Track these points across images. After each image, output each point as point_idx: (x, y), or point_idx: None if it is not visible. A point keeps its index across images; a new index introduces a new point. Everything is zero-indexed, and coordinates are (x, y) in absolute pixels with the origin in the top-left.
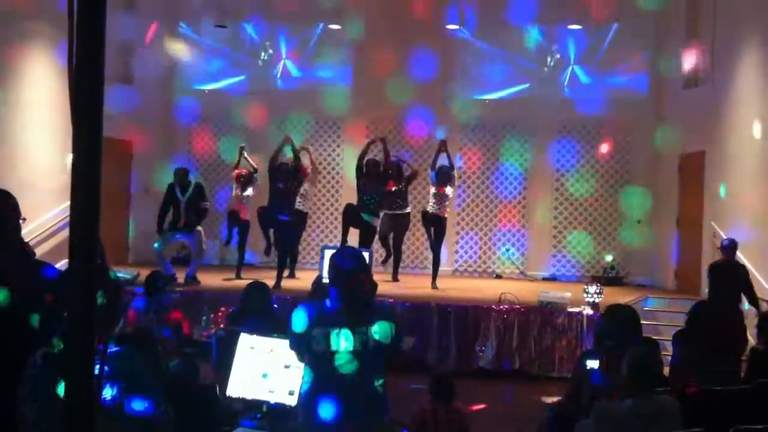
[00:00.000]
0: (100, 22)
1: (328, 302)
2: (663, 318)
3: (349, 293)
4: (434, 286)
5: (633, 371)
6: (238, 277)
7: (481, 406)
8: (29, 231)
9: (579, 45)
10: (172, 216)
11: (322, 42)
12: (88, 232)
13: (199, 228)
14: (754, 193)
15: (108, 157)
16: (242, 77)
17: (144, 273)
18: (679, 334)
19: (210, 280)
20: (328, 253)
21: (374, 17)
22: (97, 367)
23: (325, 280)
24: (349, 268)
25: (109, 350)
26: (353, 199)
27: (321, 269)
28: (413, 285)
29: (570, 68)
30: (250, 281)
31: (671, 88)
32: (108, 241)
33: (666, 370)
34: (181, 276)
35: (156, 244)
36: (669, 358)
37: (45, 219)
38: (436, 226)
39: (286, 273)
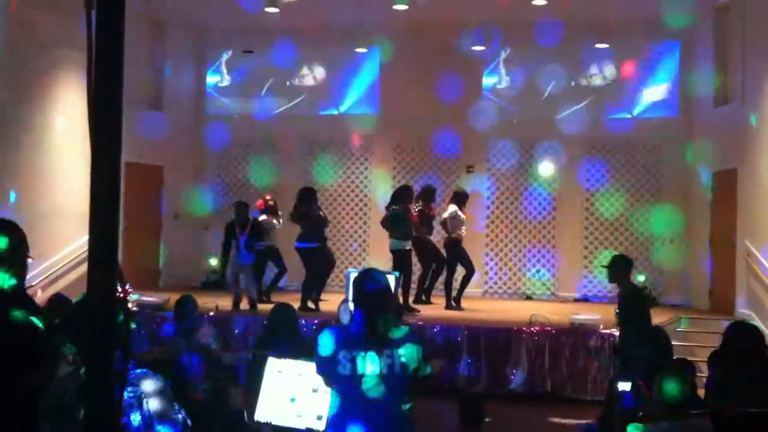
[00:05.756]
0: (118, 50)
1: (353, 325)
2: (698, 339)
3: (372, 316)
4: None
5: (665, 393)
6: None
7: None
8: (62, 257)
9: (607, 64)
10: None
11: (350, 66)
12: (107, 251)
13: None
14: None
15: (139, 183)
16: (271, 102)
17: (174, 298)
18: (715, 355)
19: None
20: (353, 276)
21: (400, 40)
22: (120, 387)
23: (351, 304)
24: (372, 290)
25: (135, 373)
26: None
27: (347, 292)
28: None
29: (599, 87)
30: (276, 303)
31: (701, 105)
32: (139, 265)
33: (701, 392)
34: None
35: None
36: (704, 379)
37: (78, 245)
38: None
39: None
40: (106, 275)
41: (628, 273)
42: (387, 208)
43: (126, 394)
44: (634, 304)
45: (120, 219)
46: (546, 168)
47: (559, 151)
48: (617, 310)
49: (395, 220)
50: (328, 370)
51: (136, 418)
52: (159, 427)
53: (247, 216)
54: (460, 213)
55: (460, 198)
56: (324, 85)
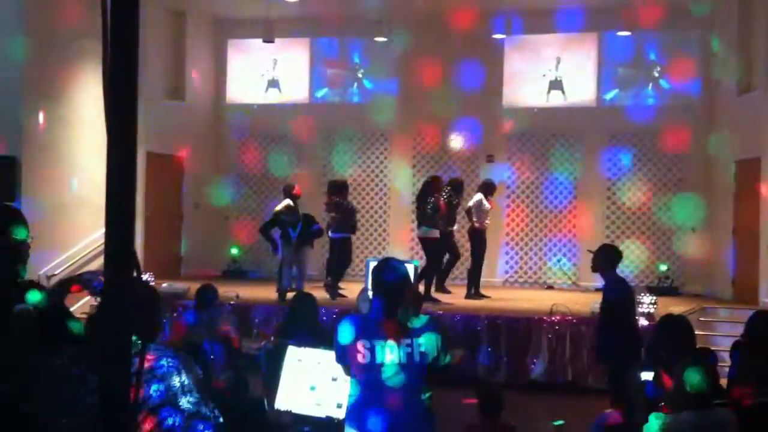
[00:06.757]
0: (133, 36)
1: (373, 314)
2: (720, 328)
3: (391, 305)
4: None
5: (687, 383)
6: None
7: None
8: (87, 244)
9: (629, 51)
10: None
11: (369, 55)
12: (122, 240)
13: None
14: None
15: (161, 173)
16: (291, 92)
17: (195, 287)
18: (738, 344)
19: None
20: (372, 265)
21: (420, 29)
22: (138, 377)
23: (370, 293)
24: (392, 279)
25: (164, 367)
26: (401, 212)
27: (366, 281)
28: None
29: (620, 75)
30: (296, 293)
31: (724, 93)
32: (160, 254)
33: (724, 382)
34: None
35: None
36: (726, 369)
37: (102, 233)
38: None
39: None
40: (120, 266)
41: (613, 264)
42: (418, 200)
43: (156, 389)
44: (620, 296)
45: (139, 209)
46: (567, 157)
47: (580, 140)
48: (601, 304)
49: (434, 212)
50: (347, 359)
51: (170, 418)
52: (198, 426)
53: (298, 216)
54: (485, 202)
55: (488, 188)
56: (343, 75)
